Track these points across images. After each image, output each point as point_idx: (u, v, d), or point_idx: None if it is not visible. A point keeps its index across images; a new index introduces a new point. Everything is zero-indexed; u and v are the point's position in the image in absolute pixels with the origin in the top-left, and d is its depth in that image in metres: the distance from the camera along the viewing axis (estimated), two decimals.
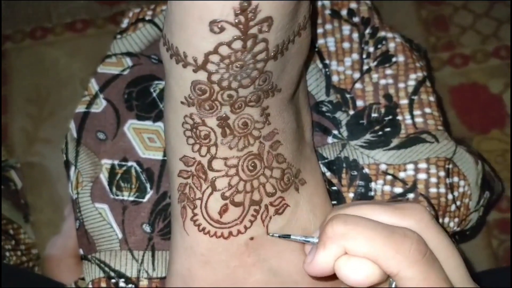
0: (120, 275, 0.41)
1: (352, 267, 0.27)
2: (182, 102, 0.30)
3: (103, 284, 0.41)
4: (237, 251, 0.33)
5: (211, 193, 0.32)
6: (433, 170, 0.41)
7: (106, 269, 0.41)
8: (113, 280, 0.41)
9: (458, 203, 0.42)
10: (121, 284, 0.41)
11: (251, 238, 0.33)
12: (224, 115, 0.30)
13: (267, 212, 0.33)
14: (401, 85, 0.43)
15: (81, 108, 0.45)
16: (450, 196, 0.41)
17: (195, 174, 0.32)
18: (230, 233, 0.32)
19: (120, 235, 0.42)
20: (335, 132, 0.42)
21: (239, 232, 0.33)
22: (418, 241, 0.27)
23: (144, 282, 0.41)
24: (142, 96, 0.44)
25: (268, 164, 0.33)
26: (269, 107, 0.32)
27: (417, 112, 0.42)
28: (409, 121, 0.42)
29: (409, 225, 0.28)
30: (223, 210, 0.32)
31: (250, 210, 0.33)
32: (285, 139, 0.33)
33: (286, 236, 0.32)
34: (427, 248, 0.27)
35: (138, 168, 0.42)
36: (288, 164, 0.34)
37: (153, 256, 0.41)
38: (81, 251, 0.43)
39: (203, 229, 0.32)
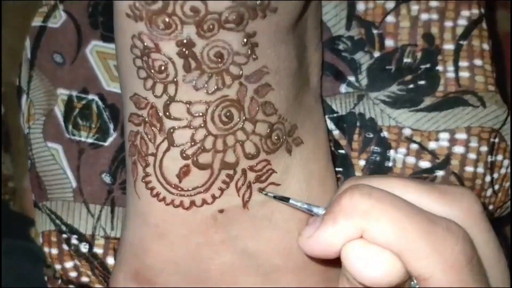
0: (72, 230, 0.34)
1: (368, 257, 0.20)
2: (127, 15, 0.21)
3: (54, 238, 0.35)
4: (201, 225, 0.25)
5: (167, 149, 0.23)
6: (473, 143, 0.31)
7: (58, 221, 0.35)
8: (64, 235, 0.34)
9: (496, 187, 0.33)
10: (74, 241, 0.34)
11: (221, 211, 0.25)
12: (187, 39, 0.21)
13: (245, 179, 0.25)
14: (449, 23, 0.32)
15: (37, 22, 0.36)
16: (488, 178, 0.32)
17: (147, 120, 0.23)
18: (192, 203, 0.24)
19: (74, 184, 0.34)
20: (351, 78, 0.32)
21: (204, 202, 0.24)
22: (464, 240, 0.20)
23: (100, 241, 0.34)
24: (111, 12, 0.34)
25: (251, 116, 0.24)
26: (257, 33, 0.22)
27: (463, 63, 0.32)
28: (451, 75, 0.32)
29: (454, 217, 0.20)
30: (183, 173, 0.24)
31: (220, 175, 0.24)
32: (278, 82, 0.24)
33: (284, 199, 0.25)
34: (474, 252, 0.20)
35: (100, 103, 0.34)
36: (280, 117, 0.25)
37: (112, 212, 0.34)
38: (33, 197, 0.36)
39: (157, 194, 0.24)
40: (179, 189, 0.24)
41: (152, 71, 0.22)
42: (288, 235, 0.26)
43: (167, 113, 0.23)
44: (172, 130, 0.23)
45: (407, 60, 0.32)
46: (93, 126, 0.34)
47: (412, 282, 0.21)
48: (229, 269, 0.26)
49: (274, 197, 0.25)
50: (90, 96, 0.34)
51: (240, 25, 0.21)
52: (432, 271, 0.19)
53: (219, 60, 0.22)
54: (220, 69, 0.22)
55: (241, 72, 0.23)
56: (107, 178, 0.34)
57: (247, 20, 0.21)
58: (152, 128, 0.23)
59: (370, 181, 0.22)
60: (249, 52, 0.22)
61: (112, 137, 0.34)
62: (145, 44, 0.21)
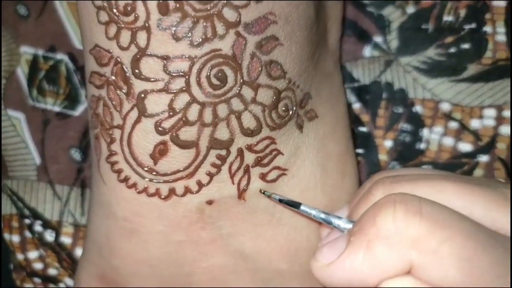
0: (36, 214, 0.29)
1: None
2: None
3: (15, 224, 0.29)
4: (184, 220, 0.19)
5: (137, 120, 0.17)
6: None
7: (19, 204, 0.29)
8: (26, 221, 0.29)
9: None
10: (37, 227, 0.29)
11: (209, 202, 0.19)
12: None
13: (241, 161, 0.19)
14: None
15: None
16: None
17: (111, 81, 0.17)
18: (172, 191, 0.19)
19: (38, 160, 0.29)
20: (378, 39, 0.26)
21: (187, 191, 0.19)
22: None
23: (68, 229, 0.29)
24: None
25: (251, 78, 0.18)
26: None
27: None
28: (501, 38, 0.26)
29: None
30: (158, 152, 0.18)
31: (209, 156, 0.18)
32: (289, 35, 0.18)
33: (293, 204, 0.19)
34: None
35: (70, 65, 0.28)
36: (289, 81, 0.19)
37: (82, 195, 0.28)
38: None
39: (126, 179, 0.19)
40: (154, 173, 0.18)
41: (116, 12, 0.16)
42: (295, 233, 0.21)
43: (137, 71, 0.17)
44: (143, 95, 0.17)
45: (447, 18, 0.26)
46: (61, 91, 0.28)
47: None
48: (219, 274, 0.21)
49: (280, 200, 0.19)
50: (59, 56, 0.28)
51: None
52: None
53: None
54: (209, 12, 0.16)
55: (238, 18, 0.17)
56: (76, 155, 0.28)
57: None
58: (118, 91, 0.17)
59: (415, 186, 0.16)
60: None
61: (83, 105, 0.28)
62: None
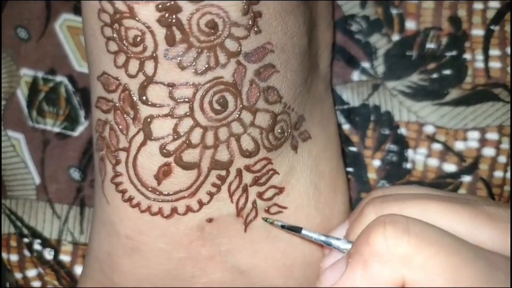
0: (35, 234, 0.29)
1: None
2: None
3: (13, 243, 0.30)
4: (185, 238, 0.20)
5: (143, 143, 0.18)
6: (504, 144, 0.27)
7: (18, 223, 0.30)
8: (25, 240, 0.29)
9: None
10: (36, 246, 0.29)
11: (209, 220, 0.20)
12: (171, 1, 0.16)
13: (240, 181, 0.20)
14: (478, 5, 0.28)
15: None
16: None
17: (118, 106, 0.18)
18: (174, 210, 0.20)
19: (37, 180, 0.29)
20: (366, 65, 0.27)
21: (188, 209, 0.20)
22: None
23: (67, 248, 0.29)
24: None
25: (250, 103, 0.19)
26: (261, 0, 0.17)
27: (494, 51, 0.27)
28: (480, 65, 0.27)
29: (507, 251, 0.16)
30: (162, 173, 0.19)
31: (210, 177, 0.19)
32: (285, 63, 0.19)
33: (294, 229, 0.20)
34: None
35: (69, 86, 0.29)
36: (285, 105, 0.20)
37: (81, 213, 0.29)
38: None
39: (130, 199, 0.20)
40: (158, 193, 0.19)
41: (125, 43, 0.17)
42: (290, 248, 0.22)
43: (144, 98, 0.18)
44: (149, 120, 0.18)
45: (430, 45, 0.27)
46: (60, 112, 0.29)
47: None
48: None
49: (282, 226, 0.20)
50: (58, 78, 0.29)
51: None
52: None
53: (212, 31, 0.17)
54: (212, 43, 0.17)
55: (239, 48, 0.18)
56: (76, 174, 0.29)
57: None
58: (125, 116, 0.18)
59: (402, 206, 0.18)
60: (251, 23, 0.18)
61: (83, 126, 0.29)
62: (116, 7, 0.16)
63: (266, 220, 0.21)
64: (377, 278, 0.16)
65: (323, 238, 0.19)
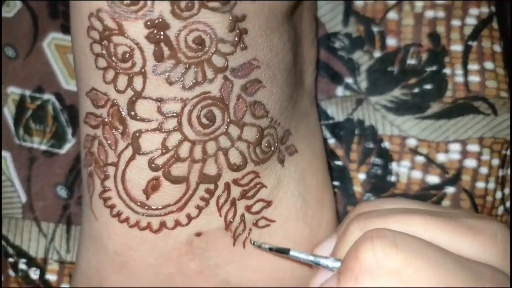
0: (20, 253, 0.29)
1: None
2: None
3: None
4: (173, 252, 0.20)
5: (131, 158, 0.19)
6: (485, 156, 0.28)
7: (3, 242, 0.29)
8: (10, 259, 0.29)
9: (508, 204, 0.29)
10: (22, 265, 0.29)
11: (198, 234, 0.20)
12: (159, 19, 0.16)
13: (228, 195, 0.20)
14: (456, 22, 0.29)
15: None
16: (499, 195, 0.29)
17: (107, 121, 0.19)
18: (163, 225, 0.20)
19: (23, 198, 0.29)
20: (349, 80, 0.28)
21: (177, 223, 0.20)
22: None
23: (53, 266, 0.29)
24: None
25: (237, 118, 0.19)
26: (247, 17, 0.18)
27: (473, 66, 0.28)
28: (460, 79, 0.28)
29: (489, 258, 0.17)
30: (151, 187, 0.19)
31: (198, 191, 0.20)
32: (270, 78, 0.20)
33: (282, 251, 0.20)
34: None
35: (57, 104, 0.29)
36: (271, 120, 0.21)
37: (68, 231, 0.29)
38: None
39: (118, 214, 0.20)
40: (146, 207, 0.19)
41: (114, 59, 0.18)
42: (280, 263, 0.22)
43: (132, 113, 0.18)
44: (138, 134, 0.18)
45: (411, 61, 0.28)
46: (47, 130, 0.29)
47: None
48: None
49: (270, 249, 0.21)
50: (46, 96, 0.29)
51: (227, 5, 0.17)
52: None
53: (199, 47, 0.18)
54: (200, 58, 0.18)
55: (226, 63, 0.18)
56: (62, 192, 0.29)
57: (234, 1, 0.17)
58: (113, 131, 0.19)
59: (386, 221, 0.18)
60: (237, 40, 0.18)
61: (70, 143, 0.29)
62: (105, 24, 0.17)
63: (253, 244, 0.21)
64: None
65: (311, 258, 0.19)
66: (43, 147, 0.29)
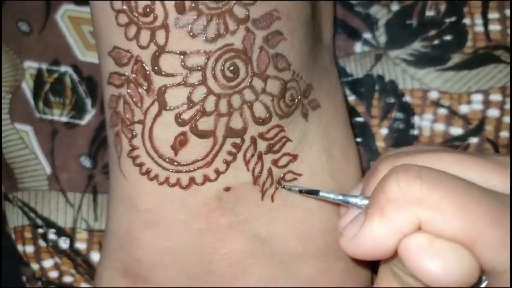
0: (49, 223, 0.29)
1: (437, 254, 0.16)
2: None
3: (28, 234, 0.30)
4: (203, 208, 0.20)
5: (158, 114, 0.19)
6: (508, 105, 0.27)
7: (32, 214, 0.30)
8: (40, 230, 0.29)
9: None
10: (51, 236, 0.29)
11: (227, 189, 0.20)
12: None
13: (254, 149, 0.20)
14: None
15: None
16: None
17: (131, 79, 0.19)
18: (192, 180, 0.20)
19: (48, 170, 0.29)
20: (367, 36, 0.28)
21: (206, 179, 0.20)
22: None
23: (82, 235, 0.29)
24: None
25: (260, 70, 0.19)
26: None
27: (493, 15, 0.28)
28: (480, 28, 0.28)
29: None
30: (179, 143, 0.19)
31: (225, 145, 0.20)
32: (291, 30, 0.20)
33: (312, 192, 0.21)
34: None
35: (74, 76, 0.29)
36: (294, 73, 0.20)
37: (94, 200, 0.29)
38: (2, 188, 0.31)
39: (148, 171, 0.20)
40: (175, 163, 0.19)
41: (135, 13, 0.17)
42: (308, 215, 0.22)
43: (156, 68, 0.18)
44: (163, 89, 0.18)
45: (429, 13, 0.28)
46: (67, 102, 0.29)
47: (483, 283, 0.17)
48: (238, 259, 0.22)
49: (300, 191, 0.21)
50: (63, 68, 0.29)
51: None
52: (508, 264, 0.16)
53: None
54: (221, 9, 0.18)
55: (247, 14, 0.18)
56: (86, 162, 0.29)
57: None
58: (138, 88, 0.19)
59: (415, 158, 0.18)
60: None
61: (91, 114, 0.29)
62: None
63: (283, 187, 0.21)
64: (394, 222, 0.17)
65: (340, 197, 0.20)
66: (64, 119, 0.29)
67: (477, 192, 0.16)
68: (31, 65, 0.30)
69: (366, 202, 0.19)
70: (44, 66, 0.30)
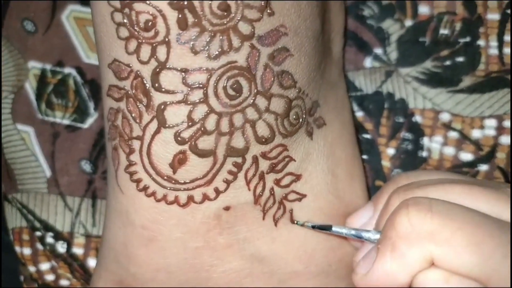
0: (47, 227, 0.29)
1: None
2: None
3: (26, 236, 0.30)
4: (202, 227, 0.20)
5: (157, 131, 0.18)
6: None
7: (30, 217, 0.29)
8: (37, 233, 0.29)
9: None
10: (49, 239, 0.29)
11: (226, 208, 0.20)
12: None
13: (256, 168, 0.20)
14: None
15: None
16: None
17: (130, 94, 0.18)
18: (190, 199, 0.19)
19: (48, 173, 0.29)
20: (378, 51, 0.27)
21: (205, 198, 0.19)
22: None
23: (80, 240, 0.29)
24: None
25: (264, 88, 0.18)
26: None
27: (508, 37, 0.27)
28: (494, 51, 0.27)
29: None
30: (178, 161, 0.19)
31: (226, 164, 0.19)
32: (298, 46, 0.19)
33: (324, 228, 0.20)
34: None
35: (78, 78, 0.29)
36: (299, 90, 0.20)
37: (93, 205, 0.29)
38: (3, 187, 0.31)
39: (145, 188, 0.19)
40: (173, 181, 0.19)
41: (136, 28, 0.17)
42: (310, 235, 0.21)
43: (156, 84, 0.17)
44: (163, 107, 0.18)
45: (444, 31, 0.27)
46: (69, 105, 0.29)
47: None
48: (235, 278, 0.21)
49: (313, 227, 0.21)
50: (67, 70, 0.29)
51: None
52: None
53: (225, 13, 0.17)
54: (225, 26, 0.17)
55: (252, 31, 0.17)
56: (87, 166, 0.29)
57: None
58: (137, 103, 0.18)
59: (425, 191, 0.18)
60: (263, 5, 0.17)
61: (93, 118, 0.29)
62: None
63: (296, 223, 0.21)
64: (406, 258, 0.16)
65: (353, 232, 0.19)
66: (66, 122, 0.29)
67: (490, 225, 0.16)
68: (35, 65, 0.29)
69: (378, 236, 0.18)
70: (48, 66, 0.29)
